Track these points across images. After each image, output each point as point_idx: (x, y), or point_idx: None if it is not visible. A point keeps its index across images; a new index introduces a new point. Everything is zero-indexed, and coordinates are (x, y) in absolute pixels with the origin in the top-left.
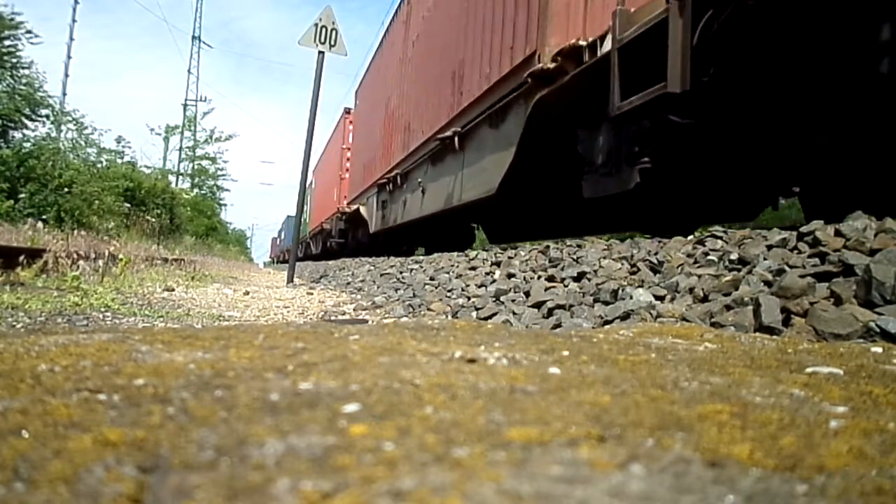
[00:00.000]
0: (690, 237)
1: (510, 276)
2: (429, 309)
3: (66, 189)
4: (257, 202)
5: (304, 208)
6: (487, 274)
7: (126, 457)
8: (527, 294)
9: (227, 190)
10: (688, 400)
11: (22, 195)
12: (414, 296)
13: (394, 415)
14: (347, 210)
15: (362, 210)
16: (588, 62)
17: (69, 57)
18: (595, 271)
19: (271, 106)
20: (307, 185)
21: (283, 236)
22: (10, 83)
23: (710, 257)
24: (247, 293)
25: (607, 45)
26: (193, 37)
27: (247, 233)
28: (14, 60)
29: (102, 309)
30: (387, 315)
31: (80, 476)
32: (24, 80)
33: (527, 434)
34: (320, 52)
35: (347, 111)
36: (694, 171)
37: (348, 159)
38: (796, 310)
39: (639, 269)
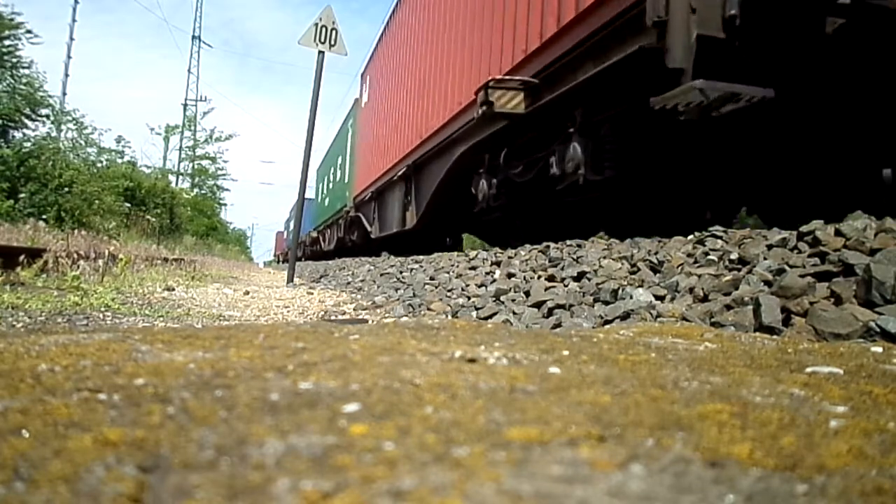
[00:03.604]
0: (690, 237)
1: (510, 275)
2: (429, 309)
3: (66, 189)
4: (257, 202)
5: (343, 157)
6: (487, 274)
7: (126, 456)
8: (527, 294)
9: (227, 190)
10: (688, 400)
11: (22, 195)
12: (414, 295)
13: (394, 414)
14: None
15: None
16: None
17: (69, 57)
18: (595, 271)
19: (272, 106)
20: (353, 104)
21: (291, 228)
22: (10, 83)
23: (710, 257)
24: (247, 293)
25: None
26: (193, 37)
27: (247, 232)
28: (14, 60)
29: (102, 308)
30: (387, 315)
31: (80, 476)
32: (24, 80)
33: (527, 434)
34: (320, 52)
35: None
36: None
37: None
38: (796, 309)
39: (639, 269)
